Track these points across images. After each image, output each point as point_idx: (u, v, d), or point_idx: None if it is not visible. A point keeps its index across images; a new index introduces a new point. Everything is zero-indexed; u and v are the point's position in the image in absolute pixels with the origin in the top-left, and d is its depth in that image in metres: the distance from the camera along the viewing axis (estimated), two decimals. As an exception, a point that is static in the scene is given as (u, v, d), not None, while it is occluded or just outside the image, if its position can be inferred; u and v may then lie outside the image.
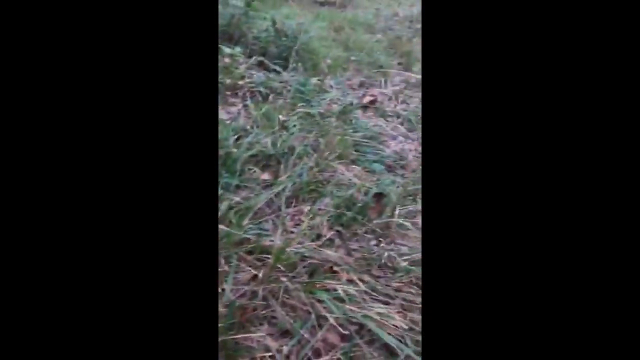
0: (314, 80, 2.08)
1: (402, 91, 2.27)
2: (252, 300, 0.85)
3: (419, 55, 2.81)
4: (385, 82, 2.36)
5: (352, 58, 2.62)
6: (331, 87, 2.14)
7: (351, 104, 1.93)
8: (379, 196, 1.20)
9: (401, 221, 1.11)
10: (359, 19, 3.95)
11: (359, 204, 1.14)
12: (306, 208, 1.12)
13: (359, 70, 2.47)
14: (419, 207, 1.19)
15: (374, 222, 1.11)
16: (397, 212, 1.13)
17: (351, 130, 1.64)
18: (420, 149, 1.64)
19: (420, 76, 2.43)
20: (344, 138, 1.49)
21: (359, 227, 1.08)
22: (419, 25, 3.98)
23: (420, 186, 1.27)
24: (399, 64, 2.77)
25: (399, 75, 2.55)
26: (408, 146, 1.69)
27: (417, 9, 4.81)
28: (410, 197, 1.25)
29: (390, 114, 1.97)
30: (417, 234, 1.09)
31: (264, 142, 1.38)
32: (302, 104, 1.76)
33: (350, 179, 1.27)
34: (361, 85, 2.33)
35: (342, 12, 5.00)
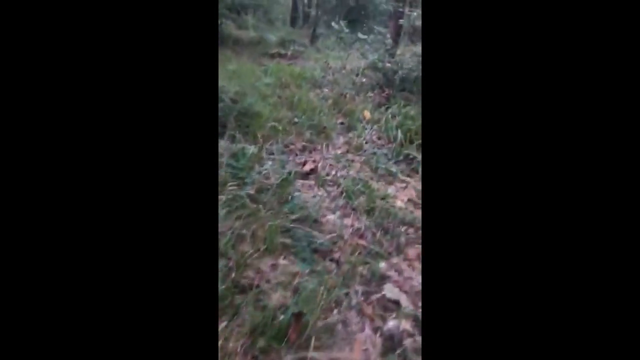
0: (252, 149, 2.00)
1: (344, 154, 2.25)
2: None
3: (363, 114, 2.85)
4: (327, 145, 2.33)
5: (295, 120, 2.60)
6: (271, 154, 2.07)
7: (289, 173, 1.85)
8: (299, 316, 1.04)
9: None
10: (306, 73, 4.03)
11: (277, 328, 0.99)
12: (221, 325, 0.98)
13: (300, 134, 2.43)
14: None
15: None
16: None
17: (286, 210, 1.55)
18: (356, 223, 1.57)
19: (362, 139, 2.44)
20: (274, 225, 1.38)
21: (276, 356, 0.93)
22: (364, 79, 4.13)
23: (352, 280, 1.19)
24: (341, 123, 2.78)
25: (342, 136, 2.55)
26: (346, 220, 1.62)
27: (364, 62, 5.03)
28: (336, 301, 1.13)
29: (330, 182, 1.90)
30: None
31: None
32: (233, 181, 1.65)
33: (273, 285, 1.14)
34: (303, 149, 2.28)
35: (291, 64, 5.15)
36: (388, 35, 5.00)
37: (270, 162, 1.95)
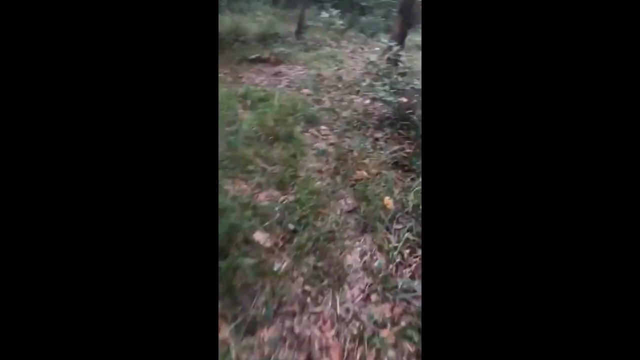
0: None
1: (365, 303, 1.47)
2: None
3: (384, 202, 2.04)
4: (340, 289, 1.54)
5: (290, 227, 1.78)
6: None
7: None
8: None
9: None
10: (296, 104, 3.13)
11: None
12: None
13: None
14: None
15: None
16: None
17: None
18: None
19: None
20: None
21: None
22: (368, 102, 3.28)
23: None
24: (353, 215, 1.97)
25: (361, 269, 1.75)
26: None
27: (363, 68, 4.13)
28: None
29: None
30: None
31: None
32: None
33: None
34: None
35: (277, 74, 4.20)
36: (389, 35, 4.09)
37: None
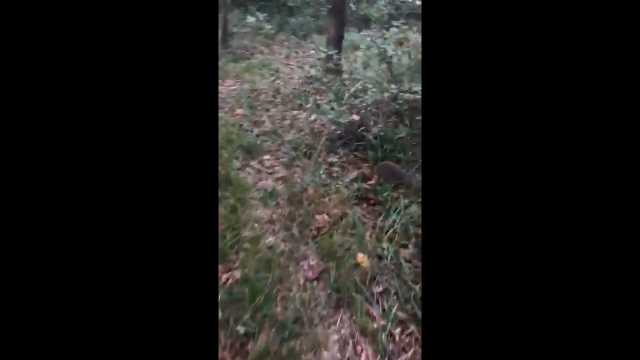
0: None
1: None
2: None
3: (356, 259, 1.65)
4: None
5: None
6: None
7: None
8: None
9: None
10: (229, 134, 2.63)
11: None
12: None
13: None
14: None
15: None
16: None
17: None
18: None
19: None
20: None
21: None
22: (313, 119, 2.88)
23: None
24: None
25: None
26: None
27: (300, 78, 3.73)
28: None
29: None
30: None
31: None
32: None
33: None
34: None
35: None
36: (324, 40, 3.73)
37: None
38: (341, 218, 1.82)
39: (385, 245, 1.64)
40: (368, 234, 1.73)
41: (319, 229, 1.75)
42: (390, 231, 1.70)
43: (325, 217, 1.82)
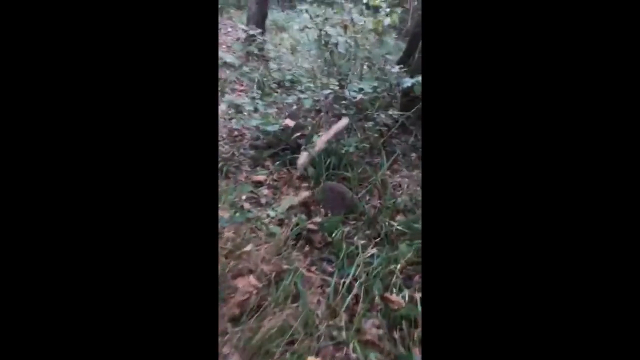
0: None
1: None
2: None
3: None
4: None
5: None
6: None
7: None
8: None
9: None
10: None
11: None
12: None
13: None
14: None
15: None
16: None
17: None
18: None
19: None
20: None
21: None
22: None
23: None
24: None
25: None
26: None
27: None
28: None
29: None
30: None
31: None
32: None
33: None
34: None
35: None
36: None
37: None
38: (278, 277, 1.26)
39: (342, 323, 1.12)
40: (321, 310, 1.18)
41: (243, 303, 1.15)
42: (348, 298, 1.19)
43: (253, 281, 1.23)
